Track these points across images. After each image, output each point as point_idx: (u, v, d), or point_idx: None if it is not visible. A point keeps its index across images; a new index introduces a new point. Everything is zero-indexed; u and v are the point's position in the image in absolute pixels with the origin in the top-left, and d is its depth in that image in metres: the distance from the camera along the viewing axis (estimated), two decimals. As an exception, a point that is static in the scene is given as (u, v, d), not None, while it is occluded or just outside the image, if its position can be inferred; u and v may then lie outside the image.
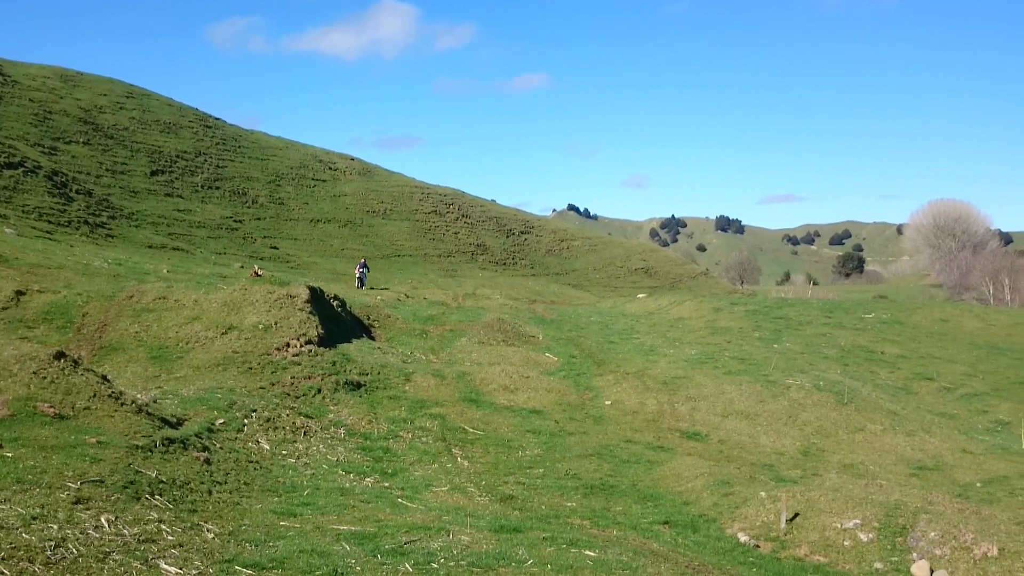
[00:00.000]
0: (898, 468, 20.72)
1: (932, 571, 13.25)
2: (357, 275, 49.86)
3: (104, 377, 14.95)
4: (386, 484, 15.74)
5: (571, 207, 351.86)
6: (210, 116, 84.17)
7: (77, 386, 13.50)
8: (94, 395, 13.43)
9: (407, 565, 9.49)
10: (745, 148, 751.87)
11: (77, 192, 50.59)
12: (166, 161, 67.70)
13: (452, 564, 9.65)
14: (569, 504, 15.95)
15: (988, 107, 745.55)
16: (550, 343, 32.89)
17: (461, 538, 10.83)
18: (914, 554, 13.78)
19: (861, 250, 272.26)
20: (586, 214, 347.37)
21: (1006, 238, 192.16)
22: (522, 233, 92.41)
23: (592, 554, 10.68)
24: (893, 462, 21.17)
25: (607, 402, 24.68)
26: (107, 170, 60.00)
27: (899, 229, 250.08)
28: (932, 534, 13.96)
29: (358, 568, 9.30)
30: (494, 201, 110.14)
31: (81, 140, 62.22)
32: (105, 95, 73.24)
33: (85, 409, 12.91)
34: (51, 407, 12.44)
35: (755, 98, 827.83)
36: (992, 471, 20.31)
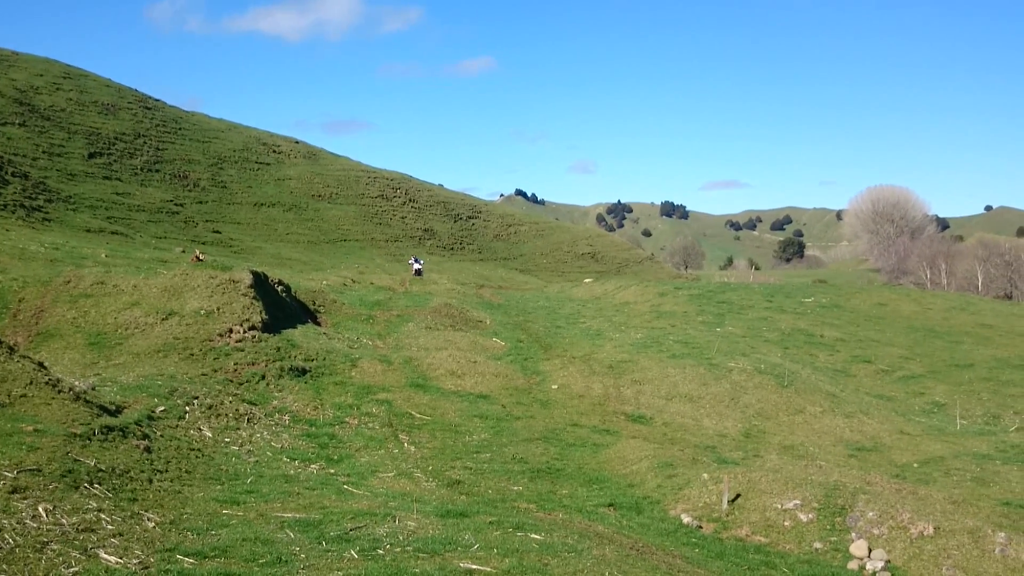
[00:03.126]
0: (837, 449, 21.15)
1: (870, 550, 13.57)
2: (415, 268, 51.22)
3: (41, 364, 14.63)
4: (332, 471, 15.66)
5: (518, 192, 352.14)
6: (150, 97, 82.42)
7: (13, 373, 13.19)
8: (31, 382, 13.13)
9: (352, 552, 9.45)
10: (689, 135, 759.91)
11: (13, 175, 49.23)
12: (104, 143, 66.16)
13: (398, 550, 9.64)
14: (516, 488, 16.02)
15: (926, 94, 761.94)
16: (497, 328, 32.93)
17: (407, 524, 10.82)
18: (853, 533, 14.09)
19: (801, 236, 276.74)
20: (533, 199, 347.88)
21: (943, 224, 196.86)
22: (470, 218, 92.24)
23: (538, 537, 10.74)
24: (832, 443, 21.61)
25: (554, 386, 24.81)
26: (44, 152, 58.46)
27: (839, 215, 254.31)
28: (870, 514, 14.29)
29: (302, 555, 9.24)
30: (441, 186, 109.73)
31: (17, 122, 60.51)
32: (41, 75, 71.30)
33: (21, 397, 12.63)
34: (-15, 395, 12.14)
35: (699, 85, 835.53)
36: (928, 452, 20.83)
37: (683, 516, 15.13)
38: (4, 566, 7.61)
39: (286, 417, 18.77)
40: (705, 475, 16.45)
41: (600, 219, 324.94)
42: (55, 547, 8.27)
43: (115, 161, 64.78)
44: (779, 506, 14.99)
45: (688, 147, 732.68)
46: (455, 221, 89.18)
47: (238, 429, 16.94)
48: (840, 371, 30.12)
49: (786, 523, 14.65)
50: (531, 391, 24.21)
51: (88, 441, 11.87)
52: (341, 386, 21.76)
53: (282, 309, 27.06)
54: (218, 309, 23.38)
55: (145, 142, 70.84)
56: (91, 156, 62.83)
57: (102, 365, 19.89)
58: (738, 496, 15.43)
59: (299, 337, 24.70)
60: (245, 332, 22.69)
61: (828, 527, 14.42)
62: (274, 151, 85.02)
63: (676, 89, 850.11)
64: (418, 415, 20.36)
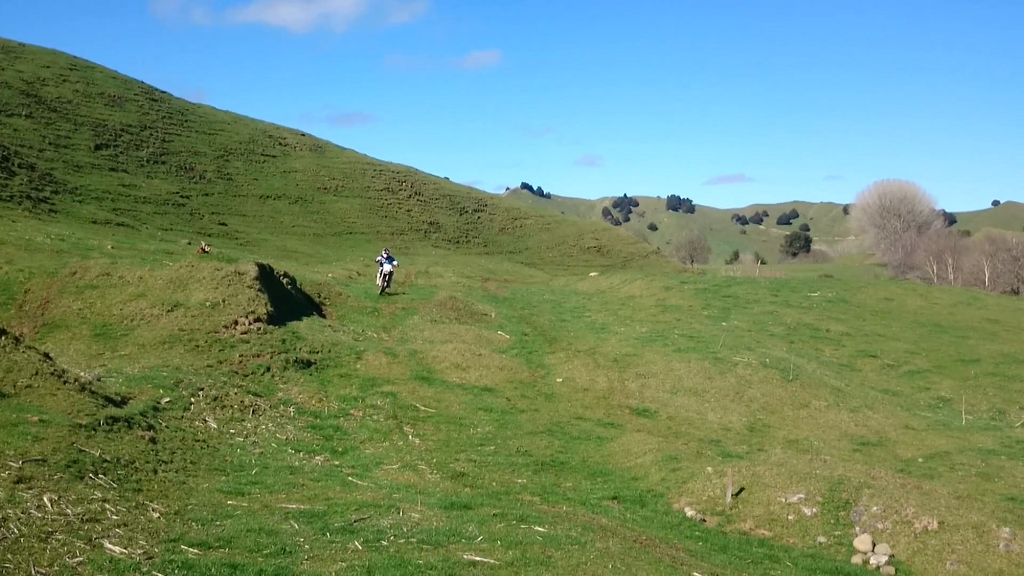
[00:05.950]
0: (842, 444, 21.11)
1: (874, 545, 13.55)
2: (380, 272, 36.07)
3: (47, 355, 14.66)
4: (336, 462, 15.68)
5: (524, 185, 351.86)
6: (156, 89, 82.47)
7: (19, 364, 13.22)
8: (36, 373, 13.16)
9: (356, 543, 9.47)
10: (695, 129, 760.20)
11: (19, 166, 49.32)
12: (111, 135, 66.25)
13: (402, 541, 9.65)
14: (520, 481, 16.02)
15: (933, 89, 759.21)
16: (502, 321, 32.92)
17: (411, 515, 10.83)
18: (857, 528, 14.08)
19: (808, 230, 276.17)
20: (539, 193, 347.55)
21: (950, 218, 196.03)
22: (475, 211, 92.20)
23: (542, 530, 10.75)
24: (837, 438, 21.57)
25: (558, 379, 24.80)
26: (50, 144, 58.57)
27: (845, 209, 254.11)
28: (874, 508, 14.26)
29: (307, 546, 9.26)
30: (447, 179, 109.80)
31: (23, 113, 60.62)
32: (48, 67, 71.38)
33: (27, 387, 12.66)
34: (-9, 385, 12.17)
35: (705, 79, 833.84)
36: (933, 447, 20.78)
37: (687, 509, 15.13)
38: (9, 556, 7.64)
39: (291, 409, 18.79)
40: (709, 469, 16.44)
41: (606, 213, 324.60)
42: (60, 537, 8.29)
43: (121, 153, 64.86)
44: (783, 500, 14.97)
45: (694, 141, 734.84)
46: (461, 214, 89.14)
47: (243, 420, 16.97)
48: (845, 365, 30.06)
49: (790, 517, 14.64)
50: (536, 384, 24.21)
51: (93, 431, 11.91)
52: (346, 378, 21.79)
53: (287, 301, 27.09)
54: (223, 301, 23.41)
55: (151, 134, 70.91)
56: (97, 148, 62.93)
57: (107, 356, 19.94)
58: (742, 490, 15.42)
59: (304, 329, 24.73)
60: (250, 324, 22.71)
61: (832, 521, 14.40)
62: (280, 143, 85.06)
63: (682, 83, 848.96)
64: (423, 407, 20.37)
